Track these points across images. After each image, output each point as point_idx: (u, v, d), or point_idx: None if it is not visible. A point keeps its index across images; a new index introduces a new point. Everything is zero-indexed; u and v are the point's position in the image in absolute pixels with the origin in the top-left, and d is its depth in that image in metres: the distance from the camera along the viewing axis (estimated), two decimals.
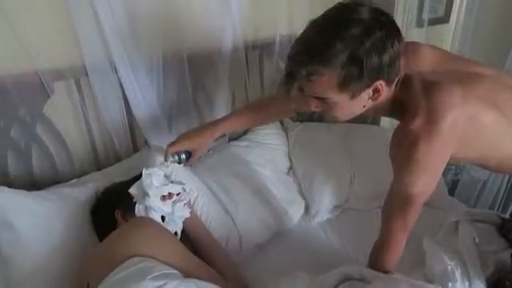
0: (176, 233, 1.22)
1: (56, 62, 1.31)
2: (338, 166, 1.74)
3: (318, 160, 1.75)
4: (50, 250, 1.15)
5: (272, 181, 1.65)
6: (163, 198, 1.21)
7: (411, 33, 2.06)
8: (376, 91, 0.95)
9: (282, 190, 1.65)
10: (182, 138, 1.30)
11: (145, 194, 1.19)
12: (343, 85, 0.91)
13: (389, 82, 0.95)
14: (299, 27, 1.78)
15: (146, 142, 1.57)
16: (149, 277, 0.91)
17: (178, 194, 1.26)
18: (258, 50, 1.79)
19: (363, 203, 1.70)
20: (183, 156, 1.32)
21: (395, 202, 1.05)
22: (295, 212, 1.64)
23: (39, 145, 1.36)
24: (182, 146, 1.30)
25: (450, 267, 1.17)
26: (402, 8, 2.01)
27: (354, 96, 0.93)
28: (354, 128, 1.97)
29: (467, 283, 1.16)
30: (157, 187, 1.20)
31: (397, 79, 0.98)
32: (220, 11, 1.59)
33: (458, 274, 1.16)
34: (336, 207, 1.70)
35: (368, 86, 0.92)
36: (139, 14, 1.40)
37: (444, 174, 2.19)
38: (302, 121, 2.00)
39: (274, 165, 1.75)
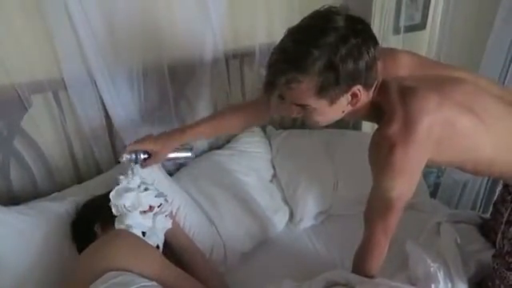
0: (158, 246, 1.21)
1: (33, 75, 1.30)
2: (322, 172, 1.76)
3: (301, 167, 1.76)
4: (28, 265, 1.13)
5: (256, 189, 1.65)
6: (144, 212, 1.20)
7: (388, 40, 2.11)
8: (354, 96, 0.96)
9: (266, 197, 1.66)
10: (146, 138, 1.26)
11: (122, 215, 1.17)
12: (321, 91, 0.92)
13: (366, 88, 0.97)
14: (278, 35, 1.82)
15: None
16: None
17: (159, 206, 1.24)
18: (239, 58, 1.80)
19: (347, 208, 1.72)
20: (141, 156, 1.24)
21: (375, 207, 1.06)
22: (280, 219, 1.64)
23: (17, 159, 1.33)
24: (143, 146, 1.24)
25: (432, 269, 1.19)
26: (379, 15, 2.05)
27: (332, 102, 0.95)
28: (336, 134, 1.99)
29: (450, 284, 1.18)
30: (129, 206, 1.17)
31: (374, 85, 0.99)
32: (200, 21, 1.59)
33: (440, 276, 1.17)
34: (320, 213, 1.71)
35: (346, 92, 0.94)
36: (118, 25, 1.40)
37: (426, 176, 2.23)
38: (284, 128, 2.01)
39: (258, 173, 1.75)
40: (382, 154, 0.96)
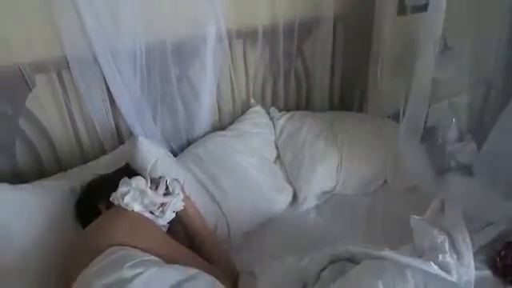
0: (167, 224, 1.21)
1: (36, 55, 1.30)
2: (325, 153, 1.75)
3: (305, 148, 1.76)
4: (34, 242, 1.15)
5: (259, 169, 1.66)
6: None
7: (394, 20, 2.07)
8: None
9: (269, 178, 1.66)
10: None
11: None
12: None
13: None
14: (281, 17, 1.83)
15: (131, 134, 1.56)
16: (127, 265, 0.91)
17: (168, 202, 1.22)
18: (242, 38, 1.79)
19: (350, 189, 1.73)
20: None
21: None
22: (283, 199, 1.65)
23: (23, 138, 1.34)
24: None
25: (439, 240, 1.19)
26: None
27: None
28: (339, 115, 1.99)
29: (455, 256, 1.18)
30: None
31: None
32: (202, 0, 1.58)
33: (446, 246, 1.17)
34: (324, 193, 1.72)
35: None
36: (120, 3, 1.39)
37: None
38: (288, 110, 2.01)
39: (261, 153, 1.75)
40: None
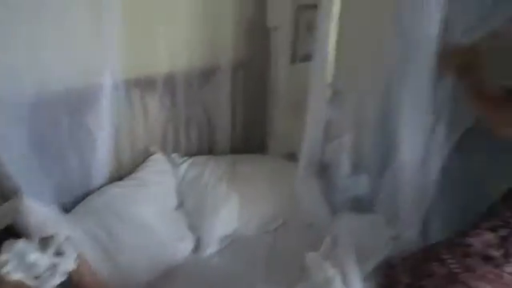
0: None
1: None
2: (227, 196, 1.78)
3: (207, 192, 1.78)
4: None
5: (159, 218, 1.63)
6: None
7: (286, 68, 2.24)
8: None
9: (170, 226, 1.64)
10: None
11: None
12: None
13: None
14: (180, 65, 1.88)
15: (16, 191, 1.43)
16: None
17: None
18: (141, 87, 1.79)
19: (251, 229, 1.77)
20: None
21: None
22: (185, 247, 1.63)
23: None
24: None
25: (330, 274, 1.26)
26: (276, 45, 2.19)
27: None
28: (241, 158, 2.06)
29: None
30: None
31: None
32: (96, 49, 1.56)
33: (337, 280, 1.24)
34: (226, 236, 1.73)
35: None
36: (10, 49, 1.31)
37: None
38: (191, 155, 2.03)
39: (162, 202, 1.73)
40: None
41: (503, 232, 1.05)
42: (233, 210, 1.76)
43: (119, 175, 1.79)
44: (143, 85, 1.81)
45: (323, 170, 2.04)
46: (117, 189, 1.67)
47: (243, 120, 2.23)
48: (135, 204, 1.61)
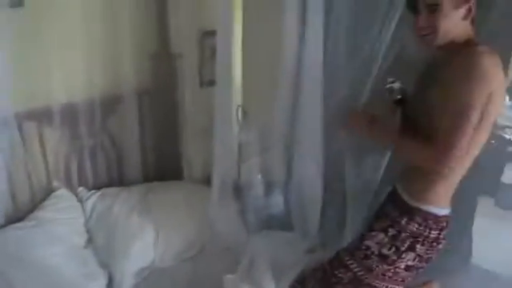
0: None
1: None
2: (140, 228, 1.71)
3: (118, 226, 1.69)
4: None
5: (65, 258, 1.52)
6: None
7: (194, 92, 2.25)
8: (469, 11, 1.04)
9: (78, 265, 1.53)
10: None
11: None
12: None
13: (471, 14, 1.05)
14: (79, 94, 1.79)
15: None
16: None
17: None
18: (35, 120, 1.68)
19: (169, 259, 1.71)
20: None
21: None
22: (96, 285, 1.52)
23: None
24: None
25: None
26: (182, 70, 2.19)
27: (457, 6, 1.02)
28: (154, 186, 2.00)
29: None
30: None
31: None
32: None
33: None
34: (143, 269, 1.65)
35: (466, 2, 1.02)
36: None
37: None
38: (99, 188, 1.92)
39: (68, 241, 1.61)
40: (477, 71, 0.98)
41: (392, 231, 1.16)
42: (147, 241, 1.69)
43: (17, 216, 1.63)
44: (39, 117, 1.69)
45: (239, 193, 2.07)
46: (14, 231, 1.52)
47: (155, 147, 2.18)
48: (36, 246, 1.48)
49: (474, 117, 0.99)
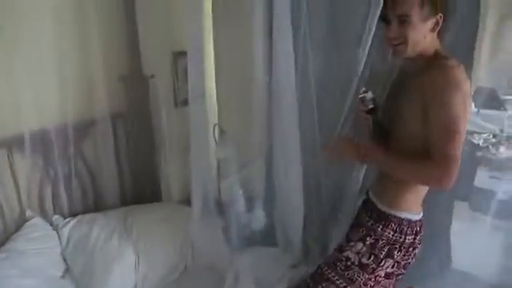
0: None
1: None
2: (120, 253, 1.67)
3: (96, 252, 1.65)
4: None
5: None
6: None
7: (169, 112, 2.25)
8: (436, 24, 1.09)
9: None
10: None
11: None
12: (422, 5, 1.05)
13: (439, 26, 1.09)
14: (50, 120, 1.75)
15: None
16: None
17: None
18: (5, 147, 1.63)
19: (152, 283, 1.67)
20: None
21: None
22: None
23: None
24: None
25: None
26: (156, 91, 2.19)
27: (425, 19, 1.07)
28: (132, 210, 1.96)
29: None
30: None
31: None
32: None
33: None
34: None
35: (434, 15, 1.08)
36: None
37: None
38: (75, 215, 1.87)
39: (44, 271, 1.55)
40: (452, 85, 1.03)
41: (370, 240, 1.18)
42: (128, 265, 1.65)
43: None
44: (8, 144, 1.65)
45: (221, 210, 2.05)
46: None
47: (131, 170, 2.15)
48: (8, 279, 1.41)
49: (462, 126, 1.05)
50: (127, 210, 1.98)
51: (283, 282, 1.64)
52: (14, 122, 1.65)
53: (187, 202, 2.10)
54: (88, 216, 1.86)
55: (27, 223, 1.69)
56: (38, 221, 1.72)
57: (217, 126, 2.17)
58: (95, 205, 2.00)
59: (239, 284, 1.55)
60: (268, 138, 2.09)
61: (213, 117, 2.37)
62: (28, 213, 1.72)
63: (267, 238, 1.95)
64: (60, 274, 1.61)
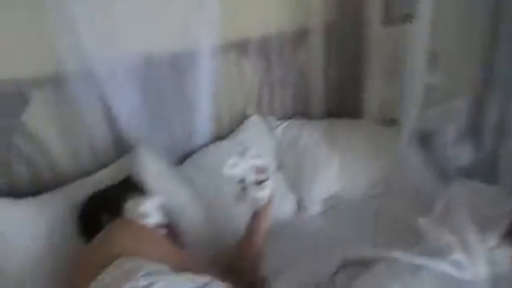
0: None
1: (33, 70, 1.27)
2: (326, 160, 1.76)
3: (306, 155, 1.76)
4: (31, 257, 1.12)
5: None
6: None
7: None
8: None
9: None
10: None
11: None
12: None
13: None
14: (273, 27, 1.85)
15: (129, 148, 1.52)
16: (140, 274, 0.88)
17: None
18: (236, 50, 1.80)
19: (354, 193, 1.72)
20: None
21: None
22: (288, 206, 1.64)
23: (19, 154, 1.30)
24: None
25: (450, 240, 1.19)
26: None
27: None
28: (336, 123, 2.00)
29: (467, 255, 1.17)
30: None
31: None
32: (196, 14, 1.58)
33: (458, 246, 1.17)
34: (328, 199, 1.71)
35: None
36: (117, 18, 1.37)
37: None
38: (286, 118, 2.01)
39: None
40: None
41: None
42: (333, 173, 1.73)
43: (219, 136, 1.82)
44: (238, 49, 1.81)
45: (426, 138, 1.92)
46: (219, 149, 1.70)
47: (338, 83, 2.16)
48: None
49: None
50: (332, 122, 2.02)
51: (500, 227, 1.45)
52: (244, 29, 1.79)
53: (389, 123, 2.03)
54: (297, 122, 1.98)
55: (248, 119, 1.89)
56: (255, 119, 1.90)
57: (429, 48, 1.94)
58: (302, 112, 2.11)
59: (451, 213, 1.44)
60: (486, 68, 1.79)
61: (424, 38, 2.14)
62: (249, 111, 1.92)
63: (487, 174, 1.74)
64: (274, 167, 1.79)
